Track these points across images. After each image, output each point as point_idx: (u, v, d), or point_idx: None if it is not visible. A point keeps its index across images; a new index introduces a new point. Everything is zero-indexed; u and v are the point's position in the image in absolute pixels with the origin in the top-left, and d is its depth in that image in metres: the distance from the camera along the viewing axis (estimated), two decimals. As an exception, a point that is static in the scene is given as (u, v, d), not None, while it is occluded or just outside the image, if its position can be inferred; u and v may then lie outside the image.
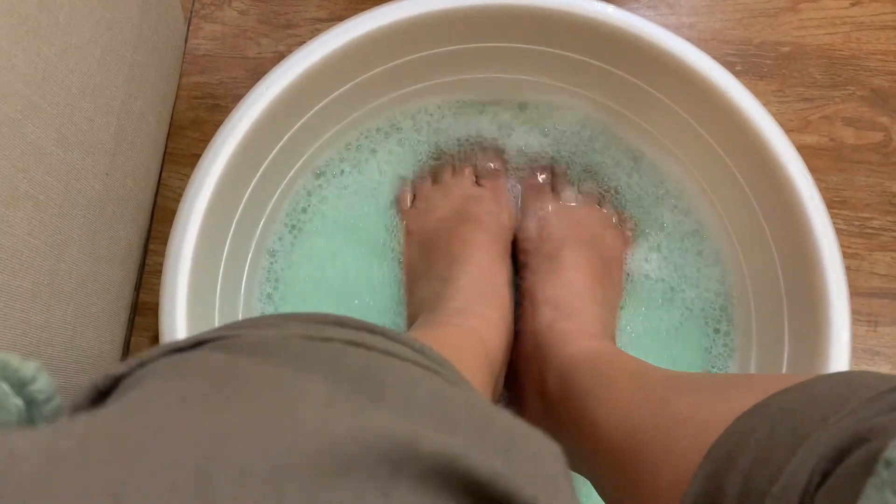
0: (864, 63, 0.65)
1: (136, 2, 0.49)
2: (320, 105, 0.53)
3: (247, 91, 0.48)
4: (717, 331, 0.57)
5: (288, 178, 0.56)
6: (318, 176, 0.58)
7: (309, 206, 0.58)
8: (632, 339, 0.57)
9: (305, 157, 0.57)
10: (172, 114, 0.62)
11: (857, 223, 0.62)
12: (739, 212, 0.54)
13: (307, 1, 0.66)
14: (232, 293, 0.53)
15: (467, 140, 0.60)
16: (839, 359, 0.44)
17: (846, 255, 0.51)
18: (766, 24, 0.66)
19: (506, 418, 0.22)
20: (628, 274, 0.58)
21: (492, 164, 0.58)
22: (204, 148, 0.47)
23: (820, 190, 0.48)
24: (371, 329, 0.24)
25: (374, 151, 0.59)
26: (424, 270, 0.54)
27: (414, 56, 0.53)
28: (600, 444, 0.37)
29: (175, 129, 0.63)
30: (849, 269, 0.48)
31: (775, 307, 0.51)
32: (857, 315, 0.59)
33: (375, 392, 0.20)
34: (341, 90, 0.53)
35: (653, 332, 0.57)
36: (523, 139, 0.60)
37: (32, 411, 0.20)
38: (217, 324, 0.49)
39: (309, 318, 0.25)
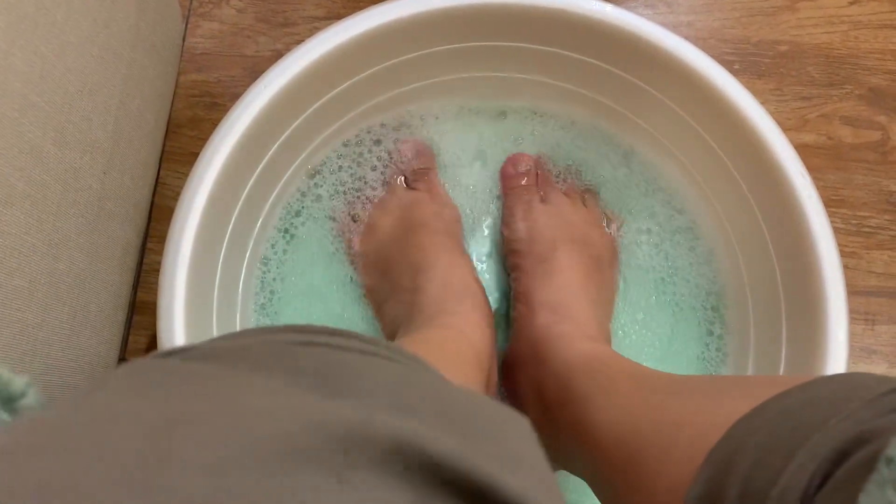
0: (862, 62, 0.65)
1: (134, 0, 0.48)
2: (319, 103, 0.53)
3: (245, 89, 0.48)
4: (710, 333, 0.57)
5: (286, 176, 0.56)
6: (312, 175, 0.58)
7: (303, 208, 0.58)
8: (626, 339, 0.57)
9: (304, 155, 0.57)
10: (170, 112, 0.62)
11: (854, 222, 0.62)
12: (736, 210, 0.54)
13: (305, -1, 0.65)
14: (230, 292, 0.53)
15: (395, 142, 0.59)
16: (837, 358, 0.44)
17: (844, 254, 0.51)
18: (764, 23, 0.66)
19: (470, 399, 0.22)
20: (620, 271, 0.58)
21: (417, 163, 0.58)
22: (202, 146, 0.47)
23: (818, 189, 0.48)
24: (331, 332, 0.25)
25: (373, 148, 0.59)
26: (389, 291, 0.54)
27: (413, 55, 0.53)
28: (599, 448, 0.37)
29: (173, 128, 0.63)
30: (846, 268, 0.48)
31: (773, 306, 0.51)
32: (854, 313, 0.60)
33: (332, 384, 0.21)
34: (340, 88, 0.53)
35: (647, 329, 0.57)
36: (514, 138, 0.60)
37: None
38: (216, 323, 0.49)
39: (271, 329, 0.25)
